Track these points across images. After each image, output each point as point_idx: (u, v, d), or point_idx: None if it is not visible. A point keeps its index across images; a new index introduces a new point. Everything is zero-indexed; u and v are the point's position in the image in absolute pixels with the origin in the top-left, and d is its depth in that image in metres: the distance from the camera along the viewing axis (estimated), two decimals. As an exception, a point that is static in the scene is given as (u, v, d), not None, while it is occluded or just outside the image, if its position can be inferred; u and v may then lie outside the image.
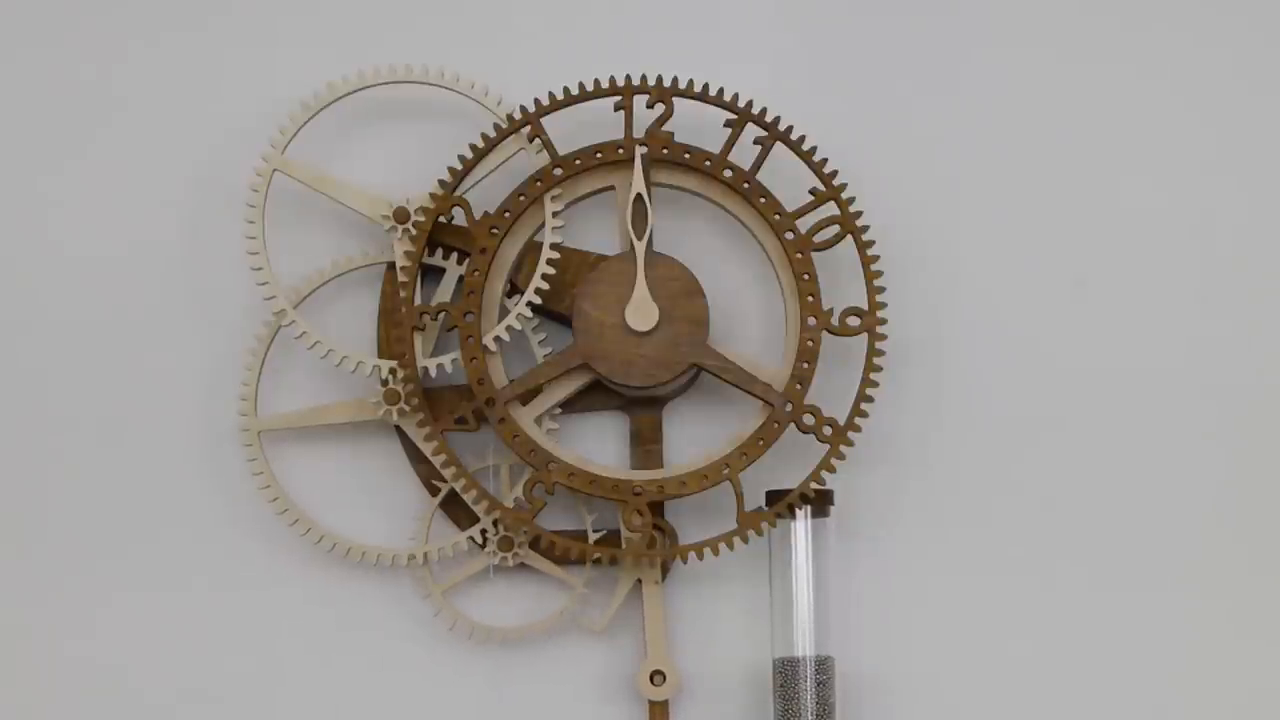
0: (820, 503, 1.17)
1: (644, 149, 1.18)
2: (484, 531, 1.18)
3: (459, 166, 1.18)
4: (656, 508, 1.17)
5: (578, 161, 1.18)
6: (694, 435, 1.21)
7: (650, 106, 1.19)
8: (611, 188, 1.19)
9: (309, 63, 1.22)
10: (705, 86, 1.19)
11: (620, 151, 1.18)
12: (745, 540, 1.16)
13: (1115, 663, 1.20)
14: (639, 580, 1.18)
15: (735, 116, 1.19)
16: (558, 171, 1.18)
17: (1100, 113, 1.25)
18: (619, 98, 1.18)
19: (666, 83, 1.19)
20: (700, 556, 1.15)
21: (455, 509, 1.19)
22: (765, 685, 1.18)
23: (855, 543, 1.20)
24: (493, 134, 1.18)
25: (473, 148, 1.18)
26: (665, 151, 1.18)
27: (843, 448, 1.17)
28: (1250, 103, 1.25)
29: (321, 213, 1.22)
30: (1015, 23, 1.25)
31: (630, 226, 1.17)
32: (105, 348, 1.22)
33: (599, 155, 1.18)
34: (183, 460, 1.21)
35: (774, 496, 1.17)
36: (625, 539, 1.17)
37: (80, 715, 1.19)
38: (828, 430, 1.17)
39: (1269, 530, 1.21)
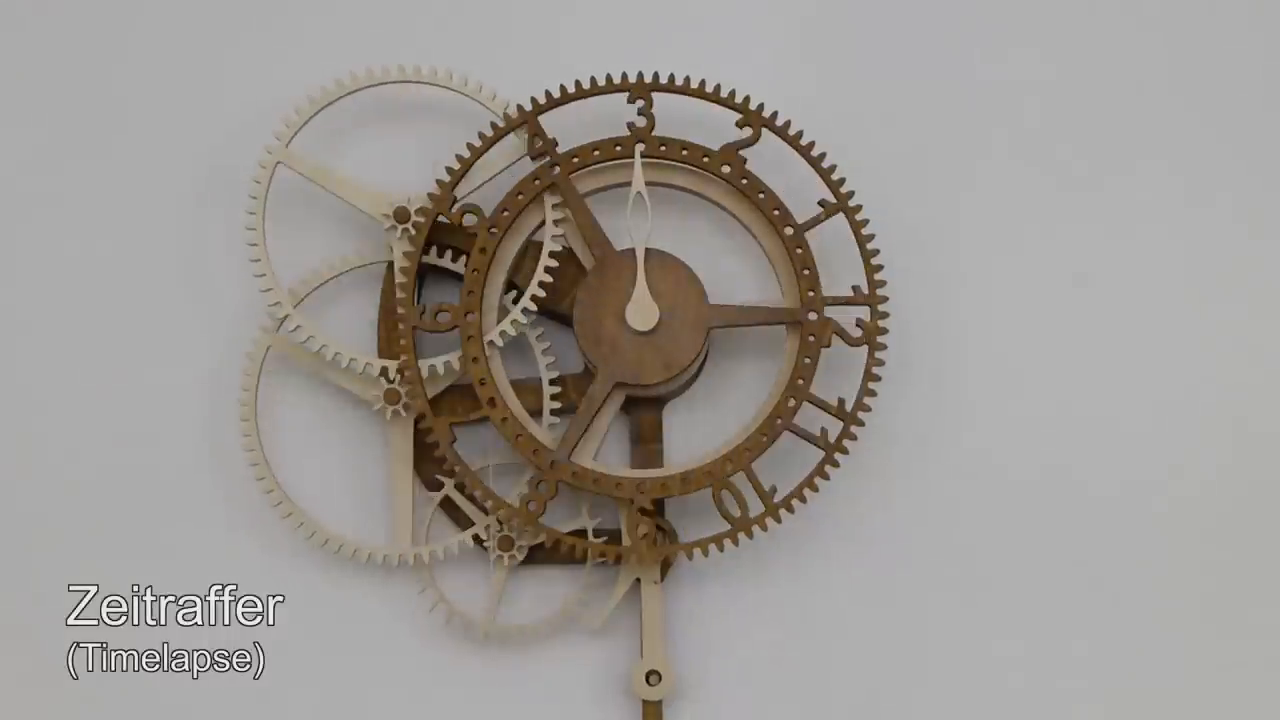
0: None
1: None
2: (486, 528, 1.18)
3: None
4: (657, 507, 1.18)
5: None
6: (694, 435, 1.21)
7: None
8: (628, 184, 1.19)
9: (309, 62, 1.22)
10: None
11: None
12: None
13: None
14: (638, 579, 1.19)
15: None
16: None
17: (1100, 111, 1.25)
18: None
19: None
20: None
21: (455, 509, 1.19)
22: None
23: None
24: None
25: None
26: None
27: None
28: (1251, 101, 1.26)
29: (322, 213, 1.22)
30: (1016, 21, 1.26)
31: (631, 225, 1.17)
32: (105, 347, 1.22)
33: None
34: (183, 460, 1.21)
35: None
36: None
37: (80, 714, 1.19)
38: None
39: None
